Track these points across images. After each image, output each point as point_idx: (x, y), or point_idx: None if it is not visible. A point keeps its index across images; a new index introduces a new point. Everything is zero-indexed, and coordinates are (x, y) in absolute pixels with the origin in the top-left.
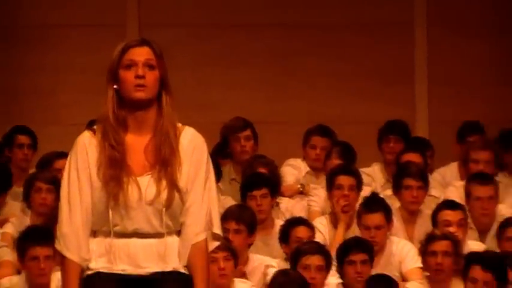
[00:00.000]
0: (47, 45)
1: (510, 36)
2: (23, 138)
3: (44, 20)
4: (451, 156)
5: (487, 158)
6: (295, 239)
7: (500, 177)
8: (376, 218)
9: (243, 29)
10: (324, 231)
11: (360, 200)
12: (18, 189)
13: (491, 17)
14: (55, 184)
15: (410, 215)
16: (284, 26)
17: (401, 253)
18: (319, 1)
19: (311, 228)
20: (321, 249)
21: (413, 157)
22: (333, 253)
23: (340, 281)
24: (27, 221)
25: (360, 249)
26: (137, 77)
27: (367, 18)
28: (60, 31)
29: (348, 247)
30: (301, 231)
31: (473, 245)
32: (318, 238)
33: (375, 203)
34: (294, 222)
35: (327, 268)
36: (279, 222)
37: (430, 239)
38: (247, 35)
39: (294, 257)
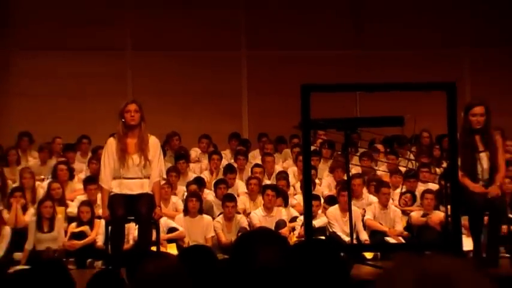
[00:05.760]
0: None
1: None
2: (85, 141)
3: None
4: (256, 147)
5: (271, 148)
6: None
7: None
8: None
9: (162, 95)
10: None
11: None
12: (83, 159)
13: (280, 79)
14: (98, 159)
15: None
16: (189, 93)
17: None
18: (188, 74)
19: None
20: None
21: (242, 148)
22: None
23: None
24: (87, 172)
25: (222, 183)
26: (131, 116)
27: (212, 87)
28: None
29: (218, 181)
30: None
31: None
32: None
33: (231, 168)
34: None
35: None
36: (190, 173)
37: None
38: (166, 99)
39: None
